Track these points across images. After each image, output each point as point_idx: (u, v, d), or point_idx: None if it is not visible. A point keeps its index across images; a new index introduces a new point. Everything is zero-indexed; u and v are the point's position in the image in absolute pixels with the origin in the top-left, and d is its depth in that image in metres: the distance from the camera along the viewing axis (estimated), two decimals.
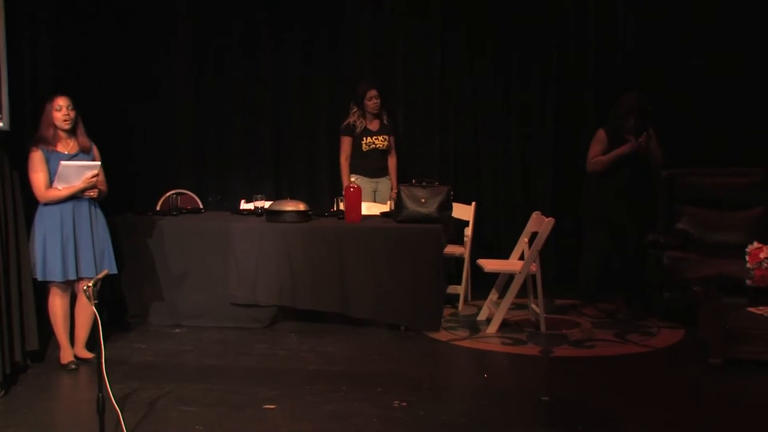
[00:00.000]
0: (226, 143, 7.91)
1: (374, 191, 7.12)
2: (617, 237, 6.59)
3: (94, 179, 5.15)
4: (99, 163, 5.20)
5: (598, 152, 6.51)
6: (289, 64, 7.80)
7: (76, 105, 5.26)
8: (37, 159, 5.11)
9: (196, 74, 7.82)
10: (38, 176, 5.10)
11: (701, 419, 4.42)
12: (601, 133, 6.56)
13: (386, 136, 7.09)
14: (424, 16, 7.71)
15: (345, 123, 7.09)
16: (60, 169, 5.06)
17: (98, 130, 5.62)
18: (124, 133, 7.46)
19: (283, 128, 7.89)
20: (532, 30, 7.63)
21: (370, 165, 7.09)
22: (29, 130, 5.26)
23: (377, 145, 7.07)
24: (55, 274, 5.16)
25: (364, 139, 7.04)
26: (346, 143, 7.09)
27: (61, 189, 5.11)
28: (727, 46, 7.21)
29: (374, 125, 7.08)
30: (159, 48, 7.73)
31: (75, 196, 5.18)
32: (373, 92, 7.00)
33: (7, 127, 4.76)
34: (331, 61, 7.80)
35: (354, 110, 7.04)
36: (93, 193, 5.23)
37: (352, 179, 6.77)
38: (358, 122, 7.03)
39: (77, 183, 5.11)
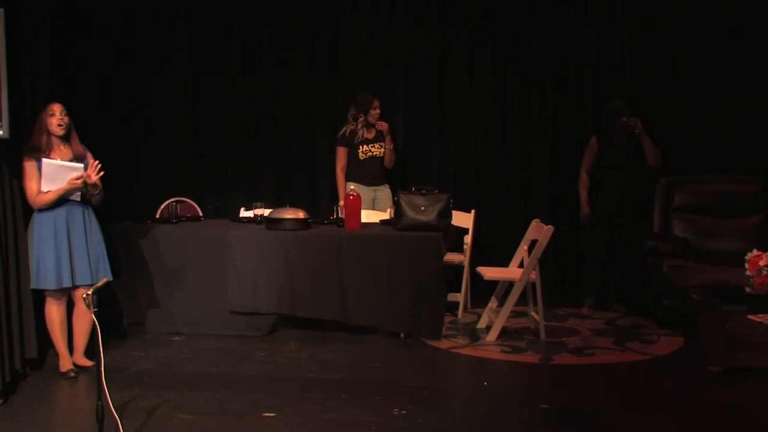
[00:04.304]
0: (226, 151, 7.92)
1: (373, 199, 7.12)
2: (613, 238, 6.87)
3: (79, 181, 5.10)
4: (81, 165, 5.15)
5: (587, 159, 6.91)
6: (289, 71, 7.82)
7: (76, 113, 5.28)
8: (29, 167, 5.11)
9: (196, 82, 7.83)
10: (31, 184, 5.11)
11: (701, 427, 4.42)
12: (592, 140, 6.92)
13: (383, 143, 7.10)
14: (423, 24, 7.73)
15: (341, 133, 7.11)
16: (43, 167, 5.05)
17: (98, 137, 5.63)
18: (123, 141, 7.47)
19: (282, 136, 7.90)
20: (531, 38, 7.64)
21: (368, 173, 7.10)
22: (29, 138, 5.27)
23: (374, 153, 7.08)
24: (48, 282, 5.15)
25: (361, 147, 7.05)
26: (342, 153, 7.11)
27: (48, 192, 5.10)
28: (727, 54, 7.22)
29: (370, 133, 7.10)
30: (159, 56, 7.74)
31: (69, 202, 5.18)
32: (377, 102, 7.06)
33: (6, 136, 4.78)
34: (331, 68, 7.82)
35: (360, 118, 7.03)
36: (93, 198, 5.23)
37: (351, 187, 6.78)
38: (359, 132, 7.04)
39: (63, 185, 5.11)
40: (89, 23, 7.03)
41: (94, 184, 5.20)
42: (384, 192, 7.18)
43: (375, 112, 7.05)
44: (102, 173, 5.20)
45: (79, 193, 5.20)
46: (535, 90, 7.71)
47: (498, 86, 7.75)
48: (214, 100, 7.87)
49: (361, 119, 7.04)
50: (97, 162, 5.21)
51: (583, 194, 6.93)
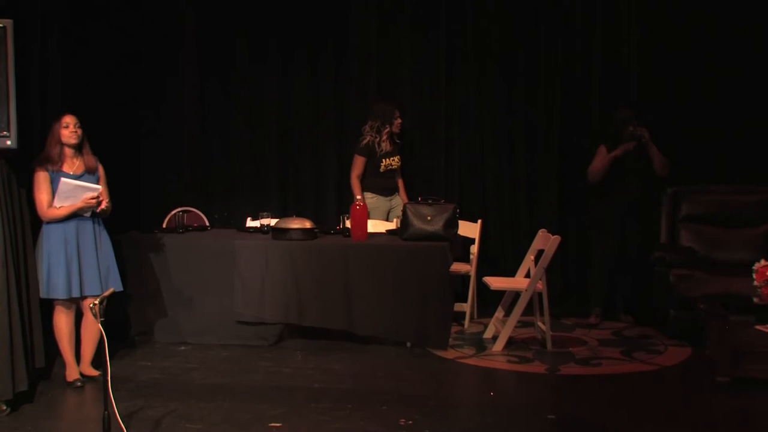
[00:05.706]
0: (232, 160, 7.93)
1: (388, 210, 7.11)
2: (621, 246, 6.89)
3: (94, 201, 5.15)
4: (99, 187, 5.21)
5: (597, 165, 6.88)
6: (296, 81, 7.82)
7: (84, 123, 5.30)
8: (41, 178, 5.14)
9: (203, 91, 7.85)
10: (41, 196, 5.13)
11: None
12: (601, 148, 6.90)
13: (399, 156, 7.11)
14: (429, 33, 7.73)
15: (364, 143, 7.01)
16: (60, 185, 5.09)
17: (105, 147, 5.65)
18: (131, 151, 7.50)
19: (289, 145, 7.90)
20: (537, 47, 7.64)
21: (387, 184, 7.09)
22: (37, 148, 5.29)
23: (394, 166, 7.09)
24: (58, 292, 5.17)
25: (384, 160, 7.02)
26: (360, 163, 7.03)
27: (60, 208, 5.14)
28: (733, 61, 7.22)
29: (390, 146, 7.06)
30: (166, 66, 7.77)
31: (77, 215, 5.21)
32: (398, 111, 7.07)
33: (15, 146, 4.79)
34: (337, 78, 7.82)
35: (386, 129, 7.00)
36: (102, 207, 5.25)
37: (369, 197, 6.79)
38: (384, 144, 7.01)
39: (77, 202, 5.14)
40: (97, 34, 7.06)
41: (104, 209, 5.29)
42: (397, 200, 7.18)
43: (398, 122, 7.04)
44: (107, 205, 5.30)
45: (90, 210, 5.23)
46: (542, 100, 7.69)
47: (505, 96, 7.74)
48: (220, 110, 7.88)
49: (386, 130, 7.01)
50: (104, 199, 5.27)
51: (603, 159, 6.82)
